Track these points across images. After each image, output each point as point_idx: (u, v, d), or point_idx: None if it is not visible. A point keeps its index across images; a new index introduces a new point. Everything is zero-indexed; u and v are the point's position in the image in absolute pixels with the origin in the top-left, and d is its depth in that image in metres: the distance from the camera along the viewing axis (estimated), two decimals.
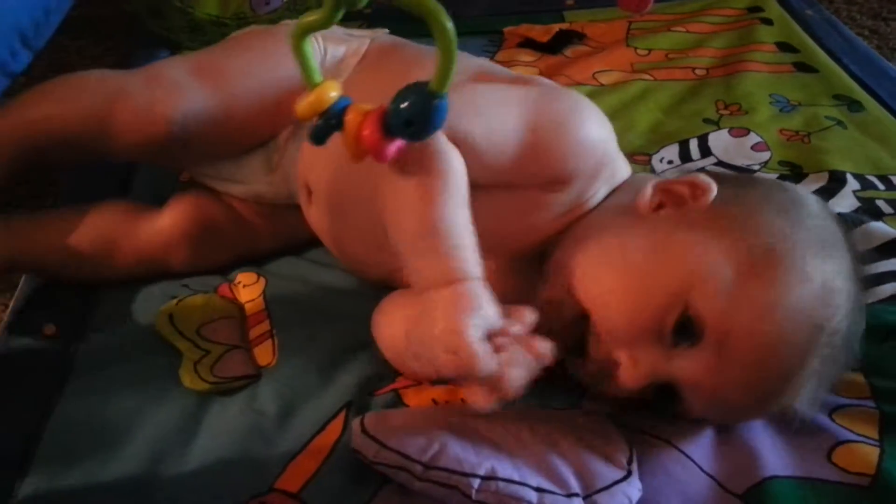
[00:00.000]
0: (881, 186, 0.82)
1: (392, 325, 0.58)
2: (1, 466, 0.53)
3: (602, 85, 0.99)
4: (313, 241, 0.71)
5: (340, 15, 0.42)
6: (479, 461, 0.49)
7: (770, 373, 0.50)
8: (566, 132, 0.56)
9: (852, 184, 0.81)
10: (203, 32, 1.05)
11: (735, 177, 0.75)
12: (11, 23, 0.72)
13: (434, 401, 0.58)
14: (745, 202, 0.55)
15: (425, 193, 0.49)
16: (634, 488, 0.50)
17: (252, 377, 0.60)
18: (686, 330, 0.50)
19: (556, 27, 1.11)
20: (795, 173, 0.83)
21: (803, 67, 1.02)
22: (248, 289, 0.68)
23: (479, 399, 0.45)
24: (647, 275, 0.52)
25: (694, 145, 0.88)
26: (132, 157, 0.74)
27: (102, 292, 0.68)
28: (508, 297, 0.50)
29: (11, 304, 0.67)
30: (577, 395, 0.59)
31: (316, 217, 0.68)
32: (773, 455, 0.54)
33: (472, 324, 0.44)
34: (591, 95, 0.92)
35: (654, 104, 0.95)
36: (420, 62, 0.67)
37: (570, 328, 0.53)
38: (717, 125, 0.91)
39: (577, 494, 0.49)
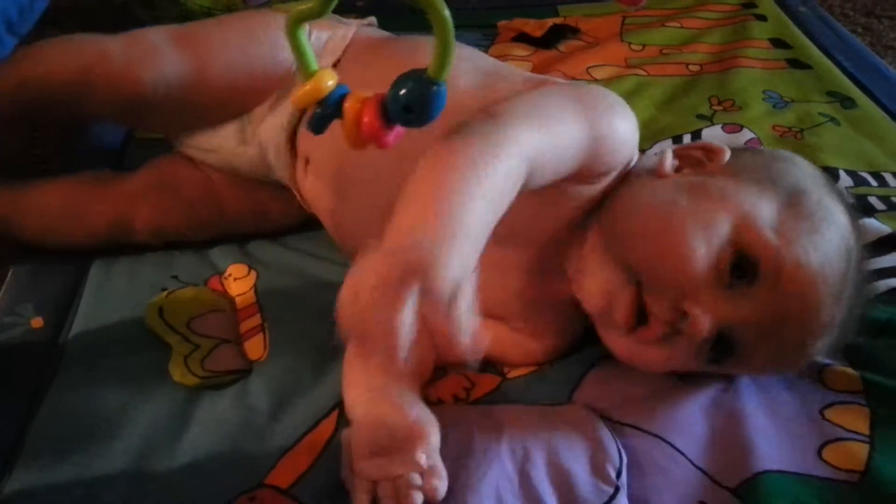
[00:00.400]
0: (874, 183, 0.82)
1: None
2: None
3: (596, 80, 0.99)
4: (290, 226, 0.72)
5: (334, 3, 0.42)
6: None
7: (821, 302, 0.52)
8: (614, 131, 0.56)
9: (845, 180, 0.81)
10: (190, 19, 1.04)
11: (740, 146, 0.76)
12: None
13: (426, 399, 0.58)
14: (757, 159, 0.59)
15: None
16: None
17: (243, 372, 0.59)
18: (741, 269, 0.51)
19: (550, 21, 1.11)
20: None
21: (797, 64, 1.02)
22: (238, 282, 0.67)
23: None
24: (692, 224, 0.52)
25: (687, 141, 0.88)
26: (111, 117, 0.76)
27: (88, 283, 0.68)
28: (527, 294, 0.54)
29: None
30: (570, 390, 0.59)
31: (312, 188, 0.68)
32: (765, 448, 0.54)
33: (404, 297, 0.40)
34: None
35: (648, 99, 0.95)
36: (411, 54, 0.66)
37: (630, 304, 0.53)
38: (710, 121, 0.91)
39: None
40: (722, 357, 0.54)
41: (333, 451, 0.53)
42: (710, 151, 0.58)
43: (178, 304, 0.64)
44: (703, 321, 0.51)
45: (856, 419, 0.56)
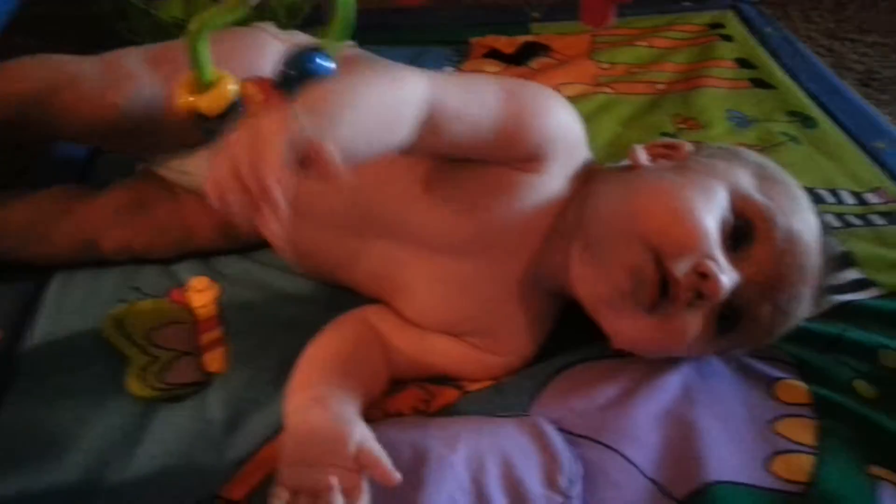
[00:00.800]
0: (830, 200, 0.84)
1: None
2: None
3: (565, 97, 1.00)
4: (262, 241, 0.71)
5: (242, 12, 0.42)
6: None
7: (810, 251, 0.56)
8: (541, 106, 0.60)
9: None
10: (167, 35, 1.05)
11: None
12: None
13: (386, 411, 0.58)
14: (714, 149, 0.63)
15: None
16: None
17: (201, 384, 0.59)
18: (739, 233, 0.55)
19: (522, 39, 1.13)
20: None
21: (760, 83, 1.05)
22: (199, 294, 0.67)
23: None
24: (696, 193, 0.56)
25: None
26: (82, 139, 0.75)
27: (48, 295, 0.68)
28: (491, 309, 0.59)
29: None
30: (528, 402, 0.59)
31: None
32: (715, 459, 0.55)
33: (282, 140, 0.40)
34: None
35: (615, 117, 0.96)
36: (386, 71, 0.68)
37: (656, 277, 0.54)
38: (674, 139, 0.92)
39: None
40: (729, 326, 0.57)
41: None
42: (673, 147, 0.63)
43: (138, 316, 0.64)
44: (724, 279, 0.53)
45: (803, 431, 0.58)
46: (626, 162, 0.64)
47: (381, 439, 0.51)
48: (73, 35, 1.13)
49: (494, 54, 1.10)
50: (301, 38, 0.74)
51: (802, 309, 0.58)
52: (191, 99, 0.42)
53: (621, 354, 0.63)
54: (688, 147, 0.62)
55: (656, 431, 0.57)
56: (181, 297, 0.67)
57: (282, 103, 0.43)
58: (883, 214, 0.81)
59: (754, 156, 0.63)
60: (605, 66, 1.08)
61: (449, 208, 0.59)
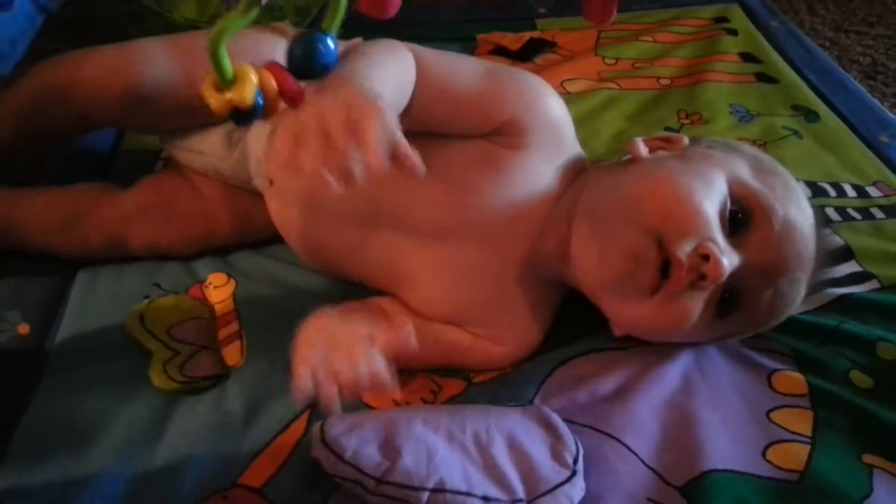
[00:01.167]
0: (832, 193, 0.85)
1: None
2: None
3: (569, 93, 1.02)
4: (274, 234, 0.73)
5: (255, 13, 0.44)
6: (428, 473, 0.51)
7: (807, 236, 0.58)
8: (521, 80, 0.63)
9: (805, 191, 0.83)
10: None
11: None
12: None
13: (395, 402, 0.61)
14: (711, 142, 0.66)
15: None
16: (577, 488, 0.53)
17: (220, 377, 0.62)
18: (738, 218, 0.57)
19: (528, 35, 1.14)
20: None
21: (764, 78, 1.05)
22: (218, 290, 0.70)
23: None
24: (696, 179, 0.58)
25: None
26: (108, 117, 0.76)
27: (74, 291, 0.70)
28: (495, 298, 0.62)
29: None
30: (532, 389, 0.61)
31: (277, 210, 0.71)
32: (713, 448, 0.57)
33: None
34: None
35: (619, 112, 0.98)
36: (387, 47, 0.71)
37: (657, 259, 0.56)
38: (678, 133, 0.94)
39: (521, 500, 0.51)
40: (727, 310, 0.58)
41: (302, 452, 0.55)
42: (670, 140, 0.65)
43: (159, 312, 0.67)
44: (725, 261, 0.55)
45: (799, 421, 0.59)
46: (626, 157, 0.66)
47: (390, 422, 0.54)
48: (90, 38, 1.16)
49: (500, 51, 1.11)
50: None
51: (800, 295, 0.61)
52: (225, 97, 0.44)
53: (622, 346, 0.65)
54: (685, 140, 0.65)
55: (656, 421, 0.59)
56: (200, 293, 0.70)
57: (295, 86, 0.46)
58: (882, 207, 0.83)
59: (750, 148, 0.65)
60: (610, 61, 1.09)
61: (442, 190, 0.61)
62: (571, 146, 0.66)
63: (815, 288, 0.65)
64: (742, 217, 0.58)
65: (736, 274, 0.56)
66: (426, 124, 0.60)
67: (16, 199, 0.73)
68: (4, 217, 0.72)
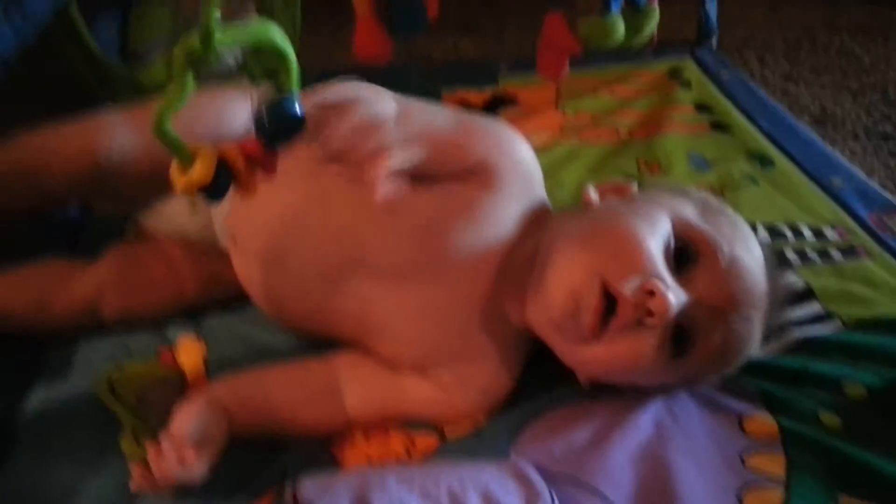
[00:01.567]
0: (790, 235, 0.87)
1: None
2: None
3: (533, 146, 1.04)
4: (242, 294, 0.73)
5: (192, 84, 0.44)
6: None
7: (754, 273, 0.59)
8: (492, 125, 0.68)
9: (762, 236, 0.86)
10: (149, 98, 1.08)
11: None
12: None
13: (368, 458, 0.60)
14: (661, 187, 0.70)
15: None
16: None
17: None
18: (684, 257, 0.58)
19: (490, 91, 1.17)
20: None
21: (718, 126, 1.09)
22: (188, 354, 0.69)
23: None
24: (640, 220, 0.59)
25: None
26: (70, 192, 0.76)
27: (43, 356, 0.69)
28: (463, 336, 0.62)
29: None
30: (506, 442, 0.61)
31: (241, 265, 0.71)
32: (688, 496, 0.56)
33: None
34: None
35: (581, 164, 1.00)
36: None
37: (598, 297, 0.57)
38: (628, 181, 0.96)
39: None
40: (682, 349, 0.59)
41: None
42: (621, 188, 0.67)
43: (130, 379, 0.66)
44: (670, 296, 0.55)
45: (773, 464, 0.60)
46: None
47: (363, 481, 0.53)
48: (55, 102, 1.17)
49: (465, 107, 1.14)
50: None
51: (755, 334, 0.61)
52: (184, 179, 0.44)
53: (595, 395, 0.65)
54: (633, 188, 0.67)
55: (632, 470, 0.59)
56: (171, 358, 0.69)
57: (267, 156, 0.47)
58: (840, 250, 0.85)
59: (697, 192, 0.68)
60: (571, 114, 1.13)
61: (410, 231, 0.62)
62: (539, 192, 0.68)
63: (776, 329, 0.66)
64: (688, 255, 0.59)
65: (685, 311, 0.57)
66: None
67: None
68: None
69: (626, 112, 1.13)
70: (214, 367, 0.69)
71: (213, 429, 0.57)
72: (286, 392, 0.64)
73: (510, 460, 0.60)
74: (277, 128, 0.47)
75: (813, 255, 0.84)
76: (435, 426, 0.64)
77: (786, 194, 0.95)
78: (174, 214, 0.75)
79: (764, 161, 1.01)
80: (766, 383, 0.67)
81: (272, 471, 0.58)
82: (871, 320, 0.74)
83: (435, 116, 0.66)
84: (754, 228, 0.85)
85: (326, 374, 0.65)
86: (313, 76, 0.91)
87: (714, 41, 1.34)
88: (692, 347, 0.59)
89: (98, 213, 0.89)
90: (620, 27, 0.73)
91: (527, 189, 0.66)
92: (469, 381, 0.64)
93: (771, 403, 0.65)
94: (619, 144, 1.05)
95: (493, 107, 1.14)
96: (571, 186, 0.96)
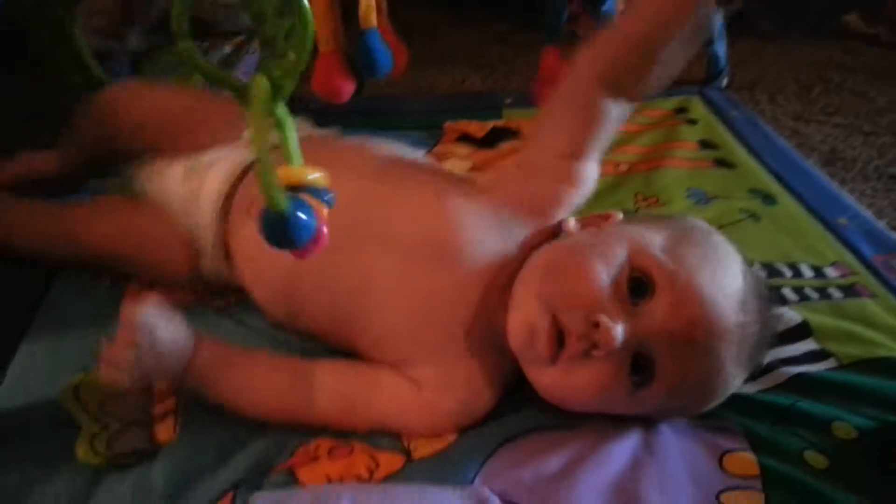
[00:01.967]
0: (788, 273, 0.85)
1: None
2: None
3: None
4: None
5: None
6: None
7: (719, 304, 0.57)
8: None
9: (760, 272, 0.84)
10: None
11: None
12: None
13: (328, 477, 0.58)
14: (655, 215, 0.70)
15: None
16: None
17: (148, 453, 0.60)
18: (641, 288, 0.58)
19: (492, 123, 1.17)
20: None
21: (722, 163, 1.08)
22: None
23: None
24: (592, 252, 0.60)
25: None
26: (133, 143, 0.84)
27: (14, 362, 0.69)
28: (466, 327, 0.64)
29: None
30: (474, 468, 0.59)
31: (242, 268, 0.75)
32: None
33: None
34: None
35: None
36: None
37: (548, 329, 0.58)
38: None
39: None
40: (644, 379, 0.58)
41: None
42: (606, 216, 0.67)
43: (95, 385, 0.65)
44: (613, 327, 0.56)
45: None
46: None
47: (316, 499, 0.52)
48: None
49: (465, 138, 1.14)
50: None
51: (727, 368, 0.59)
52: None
53: (570, 424, 0.63)
54: (617, 216, 0.66)
55: (601, 503, 0.57)
56: None
57: None
58: (840, 287, 0.82)
59: (690, 222, 0.65)
60: None
61: (434, 201, 0.67)
62: (546, 221, 0.69)
63: (764, 366, 0.64)
64: (644, 285, 0.58)
65: (643, 341, 0.57)
66: None
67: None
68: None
69: (627, 147, 1.12)
70: None
71: (176, 344, 0.61)
72: (261, 370, 0.65)
73: (473, 486, 0.58)
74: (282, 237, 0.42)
75: (811, 293, 0.82)
76: (402, 445, 0.62)
77: (787, 232, 0.92)
78: (171, 178, 0.78)
79: (766, 198, 0.99)
80: (751, 420, 0.64)
81: (225, 481, 0.57)
82: (867, 359, 0.71)
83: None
84: (750, 266, 0.84)
85: (305, 368, 0.65)
86: (315, 107, 0.95)
87: (725, 81, 1.33)
88: (654, 377, 0.58)
89: None
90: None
91: (541, 215, 0.68)
92: (449, 385, 0.63)
93: (755, 440, 0.63)
94: (618, 179, 1.04)
95: (494, 139, 1.14)
96: None
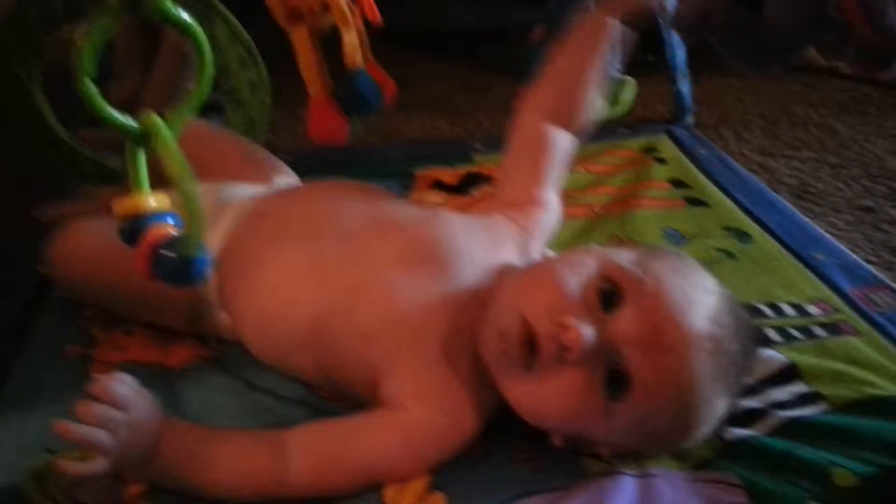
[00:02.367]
0: (770, 314, 0.84)
1: None
2: None
3: None
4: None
5: None
6: None
7: (690, 312, 0.58)
8: None
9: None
10: (116, 180, 1.07)
11: None
12: None
13: None
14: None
15: None
16: None
17: None
18: (609, 297, 0.59)
19: (465, 170, 1.16)
20: None
21: (695, 202, 1.08)
22: None
23: None
24: (564, 265, 0.63)
25: None
26: None
27: None
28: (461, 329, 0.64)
29: None
30: None
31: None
32: None
33: None
34: None
35: (555, 241, 0.97)
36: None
37: (518, 333, 0.59)
38: None
39: None
40: (619, 392, 0.58)
41: None
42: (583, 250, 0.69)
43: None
44: (580, 327, 0.57)
45: None
46: None
47: None
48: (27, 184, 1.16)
49: (439, 185, 1.13)
50: None
51: (703, 381, 0.57)
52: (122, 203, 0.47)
53: (563, 486, 0.61)
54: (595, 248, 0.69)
55: None
56: None
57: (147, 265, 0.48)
58: (824, 326, 0.82)
59: (663, 248, 0.71)
60: None
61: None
62: (533, 251, 0.74)
63: (756, 410, 0.64)
64: (613, 294, 0.59)
65: (614, 350, 0.57)
66: None
67: None
68: None
69: (600, 188, 1.11)
70: None
71: (147, 421, 0.59)
72: (231, 447, 0.61)
73: None
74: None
75: (795, 332, 0.81)
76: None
77: (765, 270, 0.92)
78: None
79: (742, 235, 0.99)
80: (749, 470, 0.63)
81: None
82: (860, 401, 0.70)
83: None
84: None
85: (275, 437, 0.62)
86: (286, 158, 0.93)
87: (691, 119, 1.34)
88: (629, 388, 0.57)
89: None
90: (598, 103, 0.76)
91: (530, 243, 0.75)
92: (430, 394, 0.62)
93: (756, 494, 0.61)
94: (593, 221, 1.03)
95: (467, 185, 1.13)
96: None
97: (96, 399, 0.57)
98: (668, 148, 1.23)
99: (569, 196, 1.08)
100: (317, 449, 0.61)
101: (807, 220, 1.05)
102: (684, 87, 1.33)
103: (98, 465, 0.57)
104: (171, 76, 1.15)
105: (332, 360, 0.67)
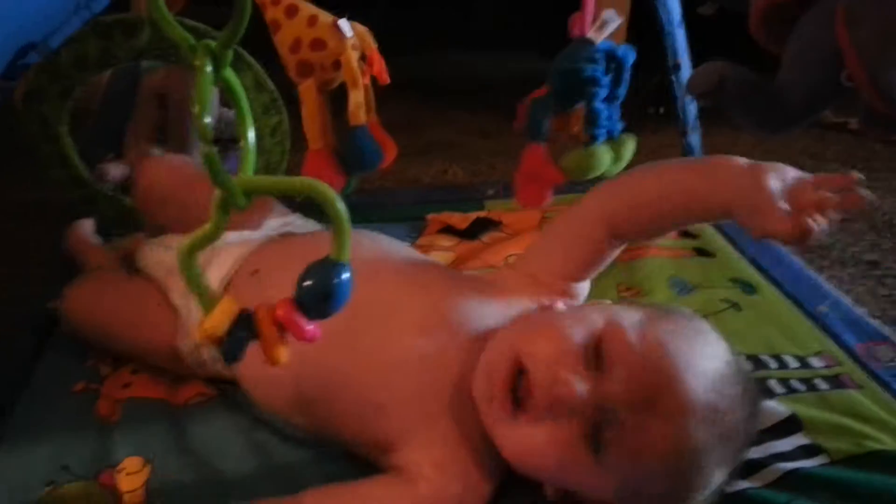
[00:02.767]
0: (773, 365, 0.85)
1: None
2: None
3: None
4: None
5: (227, 221, 0.42)
6: None
7: (681, 378, 0.57)
8: None
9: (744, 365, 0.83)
10: (133, 219, 1.10)
11: None
12: None
13: None
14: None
15: None
16: None
17: None
18: (603, 354, 0.59)
19: (475, 215, 1.18)
20: None
21: (702, 252, 1.08)
22: (130, 477, 0.66)
23: None
24: (569, 319, 0.63)
25: None
26: None
27: None
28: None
29: None
30: None
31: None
32: None
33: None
34: None
35: None
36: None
37: (506, 370, 0.60)
38: None
39: None
40: (603, 445, 0.57)
41: None
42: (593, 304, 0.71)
43: (62, 500, 0.62)
44: (576, 382, 0.57)
45: None
46: None
47: None
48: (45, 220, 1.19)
49: (448, 229, 1.15)
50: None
51: (697, 447, 0.57)
52: (203, 328, 0.41)
53: None
54: (605, 303, 0.71)
55: None
56: (111, 480, 0.66)
57: (308, 331, 0.43)
58: (826, 379, 0.82)
59: (676, 309, 0.68)
60: None
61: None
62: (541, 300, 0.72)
63: (757, 461, 0.63)
64: (605, 353, 0.59)
65: (605, 406, 0.57)
66: None
67: None
68: None
69: None
70: (156, 494, 0.65)
71: None
72: None
73: None
74: (319, 295, 0.41)
75: (798, 384, 0.81)
76: None
77: (770, 322, 0.92)
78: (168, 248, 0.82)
79: (747, 287, 1.00)
80: None
81: None
82: (860, 454, 0.70)
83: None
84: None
85: (290, 502, 0.62)
86: (297, 199, 0.95)
87: None
88: (614, 445, 0.57)
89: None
90: (606, 158, 0.76)
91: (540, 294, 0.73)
92: (447, 463, 0.63)
93: None
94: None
95: (477, 230, 1.15)
96: None
97: None
98: None
99: None
100: None
101: (812, 272, 1.05)
102: (694, 139, 1.35)
103: None
104: (150, 116, 1.20)
105: (337, 424, 0.67)
